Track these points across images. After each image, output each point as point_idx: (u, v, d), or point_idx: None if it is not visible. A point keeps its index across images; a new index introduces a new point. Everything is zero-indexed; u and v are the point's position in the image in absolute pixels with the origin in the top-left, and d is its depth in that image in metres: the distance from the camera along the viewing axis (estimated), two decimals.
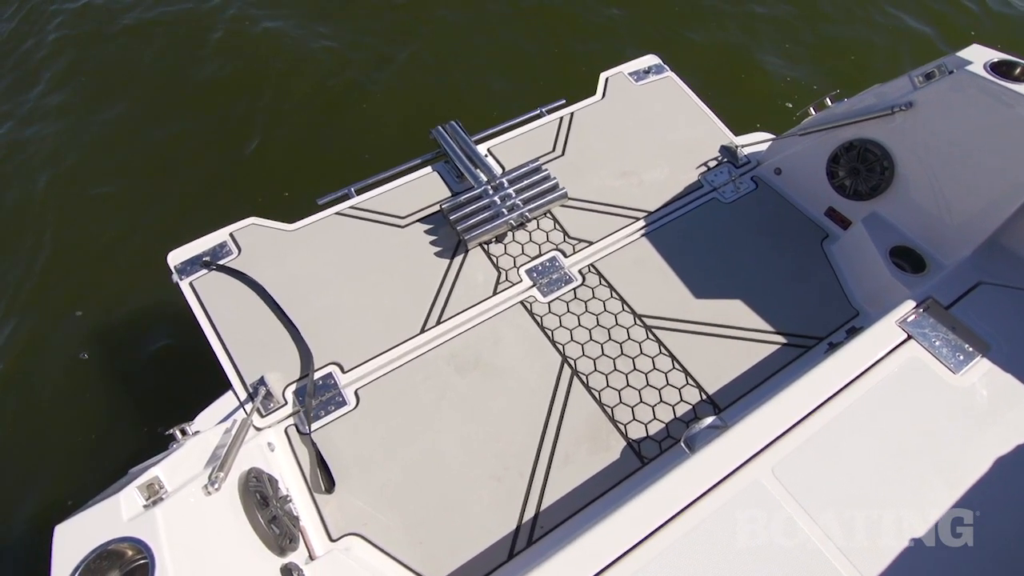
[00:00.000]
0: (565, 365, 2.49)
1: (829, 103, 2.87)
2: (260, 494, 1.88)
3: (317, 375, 2.44)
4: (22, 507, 3.28)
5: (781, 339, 2.54)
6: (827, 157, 2.80)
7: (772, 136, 3.23)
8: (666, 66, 3.49)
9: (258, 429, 2.31)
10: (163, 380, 3.63)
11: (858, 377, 1.98)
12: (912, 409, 1.93)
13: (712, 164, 3.12)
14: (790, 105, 4.90)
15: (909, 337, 2.08)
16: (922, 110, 2.44)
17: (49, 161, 4.81)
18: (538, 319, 2.62)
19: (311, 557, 2.02)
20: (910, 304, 2.16)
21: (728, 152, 3.16)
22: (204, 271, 2.67)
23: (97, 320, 3.95)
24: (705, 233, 2.87)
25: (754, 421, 1.89)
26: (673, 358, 2.50)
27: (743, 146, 3.17)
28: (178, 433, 2.00)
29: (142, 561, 1.38)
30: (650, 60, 3.53)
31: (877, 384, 1.97)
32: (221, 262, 2.70)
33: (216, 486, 1.62)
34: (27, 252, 4.27)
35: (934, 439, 1.87)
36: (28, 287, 4.11)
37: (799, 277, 2.73)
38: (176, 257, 2.71)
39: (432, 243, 2.83)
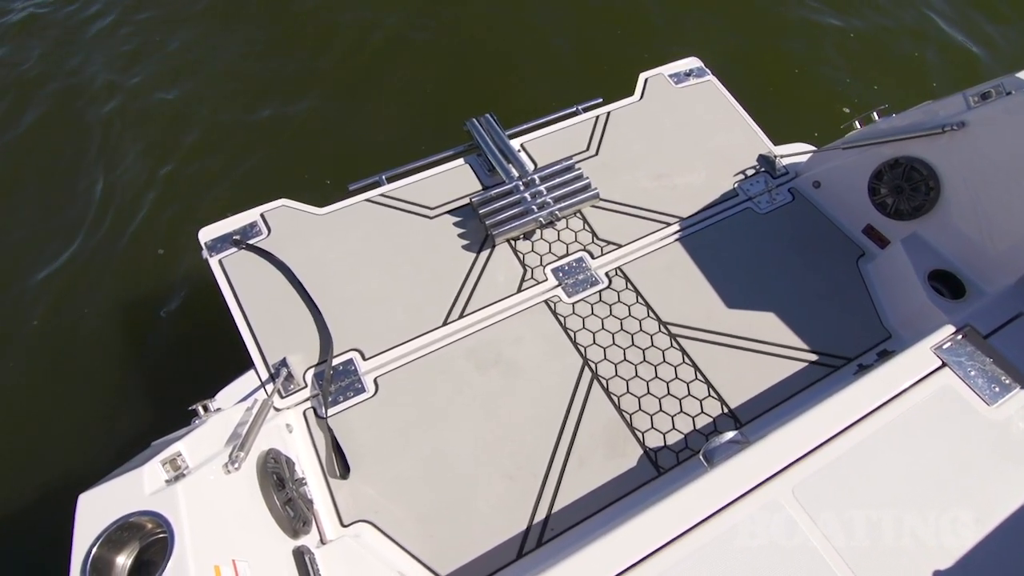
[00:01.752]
0: (586, 368, 2.46)
1: (876, 118, 2.78)
2: (277, 475, 1.90)
3: (338, 360, 2.45)
4: (45, 470, 3.37)
5: (809, 357, 2.48)
6: (870, 173, 2.72)
7: (813, 148, 3.15)
8: (707, 69, 3.42)
9: (277, 410, 2.34)
10: (186, 354, 3.70)
11: (888, 402, 1.93)
12: (942, 439, 1.87)
13: (749, 173, 3.06)
14: (846, 110, 4.76)
15: (944, 364, 2.01)
16: (974, 131, 2.35)
17: (91, 126, 4.91)
18: (561, 319, 2.59)
19: (322, 541, 2.03)
20: (947, 330, 2.09)
21: (766, 161, 3.09)
22: (234, 249, 2.70)
23: (126, 289, 4.03)
24: (737, 243, 2.81)
25: (777, 439, 1.85)
26: (696, 368, 2.46)
27: (782, 156, 3.09)
28: (200, 409, 2.03)
29: (161, 535, 1.40)
30: (691, 63, 3.46)
31: (907, 411, 1.92)
32: (251, 242, 2.72)
33: (236, 465, 1.64)
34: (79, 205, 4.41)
35: (964, 472, 1.81)
36: (71, 246, 4.22)
37: (831, 294, 2.66)
38: (207, 234, 2.74)
39: (459, 236, 2.82)
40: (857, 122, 2.84)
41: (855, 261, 2.76)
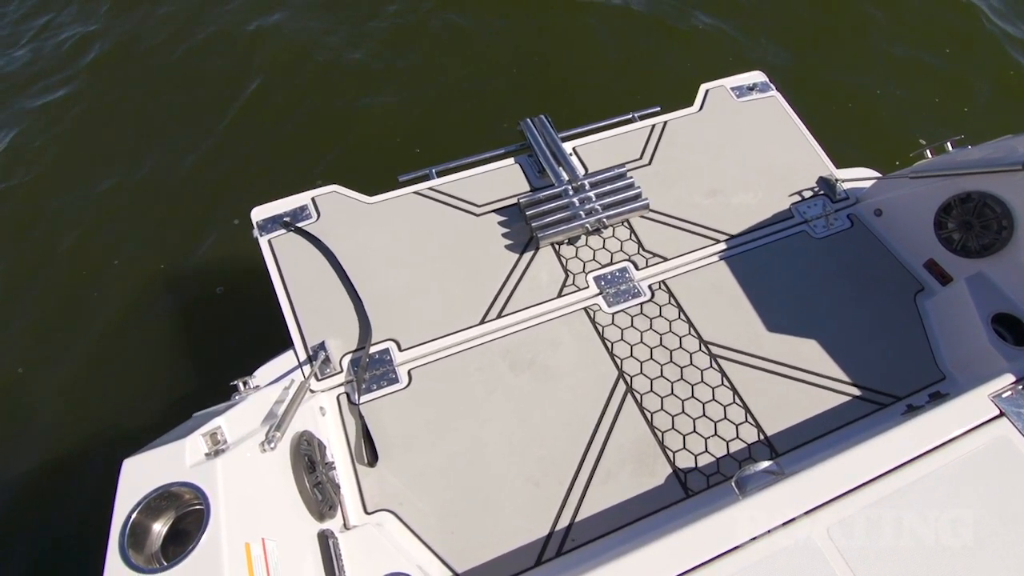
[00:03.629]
0: (620, 380, 2.43)
1: (950, 148, 2.65)
2: (309, 458, 1.93)
3: (374, 349, 2.48)
4: (91, 426, 3.55)
5: (855, 391, 2.39)
6: (938, 206, 2.59)
7: (877, 174, 3.02)
8: (772, 84, 3.32)
9: (312, 392, 2.37)
10: (227, 328, 3.82)
11: (938, 447, 1.83)
12: (994, 493, 1.77)
13: (807, 195, 2.95)
14: (922, 141, 4.56)
15: (1001, 414, 1.90)
16: None
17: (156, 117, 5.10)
18: (599, 328, 2.56)
19: (345, 526, 2.06)
20: (1008, 378, 1.98)
21: (826, 184, 2.98)
22: (283, 231, 2.76)
23: (179, 262, 4.18)
24: (789, 266, 2.72)
25: (816, 474, 1.78)
26: (735, 392, 2.39)
27: (843, 180, 2.98)
28: (241, 385, 2.08)
29: (198, 506, 1.44)
30: (756, 76, 3.36)
31: (958, 459, 1.82)
32: (300, 224, 2.77)
33: (272, 445, 1.67)
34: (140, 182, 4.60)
35: (1014, 529, 1.71)
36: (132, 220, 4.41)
37: (884, 328, 2.55)
38: (259, 213, 2.81)
39: (504, 235, 2.81)
40: (928, 151, 2.72)
41: (913, 296, 2.64)
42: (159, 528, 1.46)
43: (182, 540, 1.48)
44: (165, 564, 1.35)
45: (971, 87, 5.12)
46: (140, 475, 1.47)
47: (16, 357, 3.85)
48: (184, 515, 1.49)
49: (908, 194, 2.73)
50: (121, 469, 1.49)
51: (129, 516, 1.39)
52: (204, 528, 1.37)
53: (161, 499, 1.45)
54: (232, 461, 1.54)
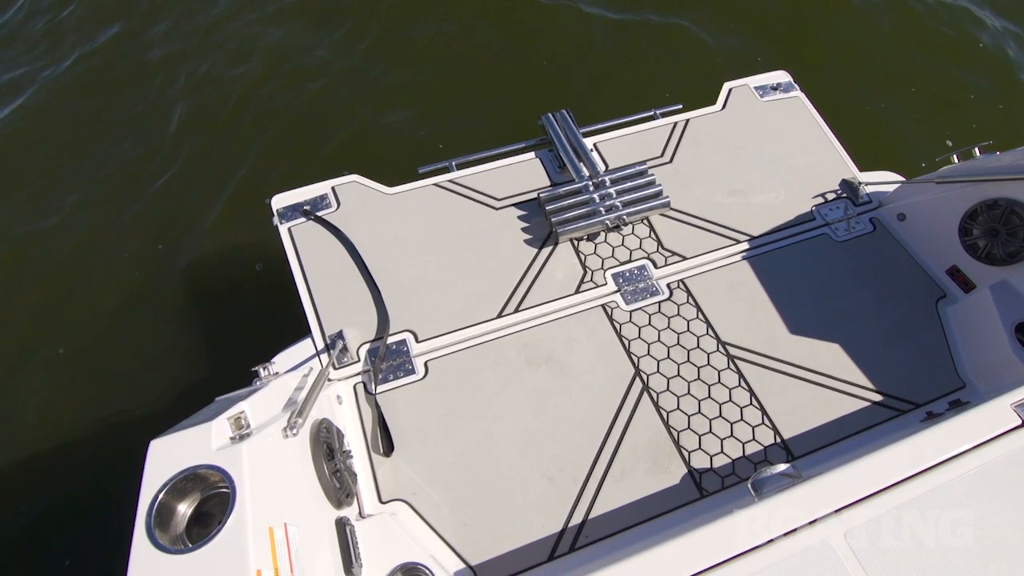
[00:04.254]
0: (637, 378, 2.42)
1: (977, 153, 2.62)
2: (328, 445, 1.95)
3: (391, 339, 2.49)
4: (108, 405, 3.60)
5: (873, 397, 2.37)
6: (964, 212, 2.56)
7: (901, 178, 2.98)
8: (796, 85, 3.29)
9: (329, 380, 2.39)
10: (246, 314, 3.85)
11: (959, 455, 1.82)
12: (1014, 503, 1.75)
13: (829, 197, 2.93)
14: (949, 143, 4.50)
15: (1023, 424, 1.89)
16: None
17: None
18: (617, 326, 2.56)
19: (361, 515, 2.08)
20: None
21: (849, 187, 2.95)
22: (303, 219, 2.77)
23: (202, 246, 4.22)
24: (809, 269, 2.70)
25: (835, 477, 1.77)
26: (752, 393, 2.38)
27: (867, 183, 2.94)
28: (261, 371, 2.10)
29: (223, 489, 1.46)
30: (780, 76, 3.32)
31: (979, 467, 1.80)
32: (319, 213, 2.78)
33: (295, 431, 1.68)
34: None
35: None
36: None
37: (904, 335, 2.53)
38: (280, 201, 2.82)
39: (523, 230, 2.81)
40: (955, 156, 2.68)
41: (934, 302, 2.62)
42: (184, 509, 1.48)
43: (204, 522, 1.49)
44: (190, 545, 1.37)
45: (1012, 88, 5.04)
46: (167, 456, 1.49)
47: (56, 336, 3.90)
48: (208, 497, 1.51)
49: (933, 199, 2.70)
50: (148, 450, 1.51)
51: (156, 496, 1.41)
52: (230, 511, 1.38)
53: (187, 481, 1.47)
54: (256, 445, 1.55)
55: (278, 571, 1.35)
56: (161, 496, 1.42)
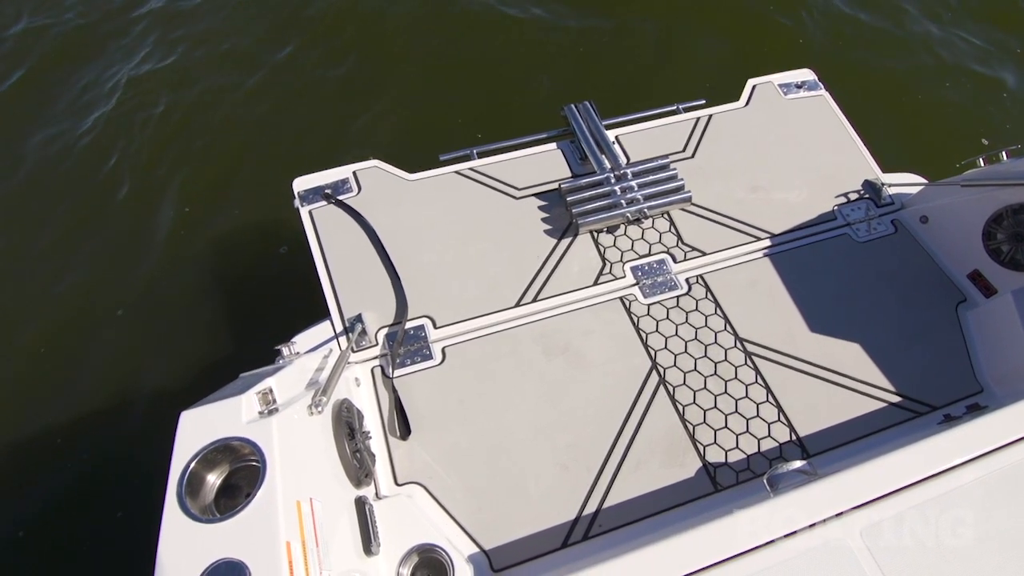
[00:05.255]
0: (654, 372, 2.43)
1: (1005, 157, 2.60)
2: (349, 425, 1.97)
3: (410, 325, 2.50)
4: (133, 377, 3.74)
5: (890, 398, 2.37)
6: (988, 216, 2.55)
7: (924, 180, 2.97)
8: (821, 83, 3.26)
9: (348, 363, 2.41)
10: (270, 295, 3.91)
11: (977, 458, 1.82)
12: None
13: (852, 197, 2.91)
14: (984, 141, 4.46)
15: None
16: None
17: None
18: (634, 319, 2.56)
19: (377, 495, 2.10)
20: None
21: (871, 188, 2.93)
22: (324, 203, 2.78)
23: (223, 226, 4.28)
24: (828, 268, 2.70)
25: (852, 476, 1.77)
26: (768, 390, 2.39)
27: (889, 184, 2.93)
28: (284, 350, 2.12)
29: (253, 462, 1.48)
30: (804, 74, 3.30)
31: (997, 471, 1.80)
32: (340, 197, 2.80)
33: (319, 409, 1.70)
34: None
35: None
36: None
37: (923, 337, 2.52)
38: (301, 184, 2.83)
39: (543, 220, 2.81)
40: (981, 159, 2.66)
41: (955, 306, 2.61)
42: (213, 480, 1.51)
43: (231, 494, 1.52)
44: (219, 515, 1.39)
45: None
46: (197, 427, 1.51)
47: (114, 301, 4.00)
48: (238, 469, 1.53)
49: (957, 202, 2.68)
50: (179, 421, 1.53)
51: (188, 465, 1.43)
52: (260, 482, 1.40)
53: (217, 452, 1.49)
54: (284, 420, 1.57)
55: (305, 544, 1.37)
56: (192, 465, 1.45)
